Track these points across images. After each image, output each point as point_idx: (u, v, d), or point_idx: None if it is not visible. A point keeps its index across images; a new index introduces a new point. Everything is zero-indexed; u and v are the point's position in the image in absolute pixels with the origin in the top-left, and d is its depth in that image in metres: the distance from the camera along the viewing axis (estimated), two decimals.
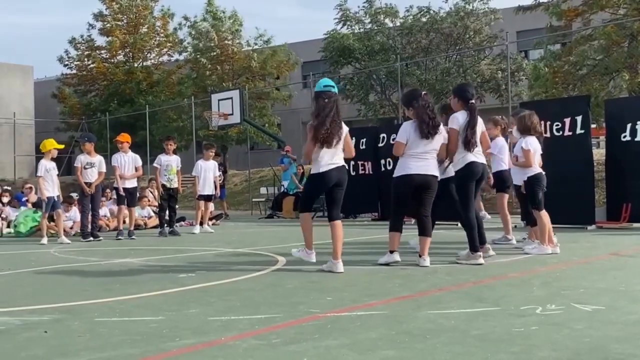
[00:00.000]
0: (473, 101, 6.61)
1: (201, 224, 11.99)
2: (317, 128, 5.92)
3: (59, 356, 3.15)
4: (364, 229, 11.95)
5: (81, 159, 10.75)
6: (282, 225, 13.81)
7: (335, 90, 6.14)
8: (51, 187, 10.42)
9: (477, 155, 6.60)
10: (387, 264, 6.27)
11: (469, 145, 6.48)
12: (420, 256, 6.27)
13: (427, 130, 6.09)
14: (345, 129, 6.14)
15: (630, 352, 3.00)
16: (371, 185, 14.47)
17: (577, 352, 3.01)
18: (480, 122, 6.66)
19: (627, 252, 7.14)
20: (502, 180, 8.56)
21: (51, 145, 10.57)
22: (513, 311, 3.95)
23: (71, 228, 12.06)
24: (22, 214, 12.64)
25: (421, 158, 6.15)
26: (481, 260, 6.30)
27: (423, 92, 6.38)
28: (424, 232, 6.27)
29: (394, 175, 6.31)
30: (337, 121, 5.98)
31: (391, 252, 6.32)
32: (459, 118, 6.51)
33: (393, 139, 13.93)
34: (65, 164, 35.40)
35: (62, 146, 10.79)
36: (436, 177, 6.28)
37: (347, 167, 6.32)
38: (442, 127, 6.31)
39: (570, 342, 3.19)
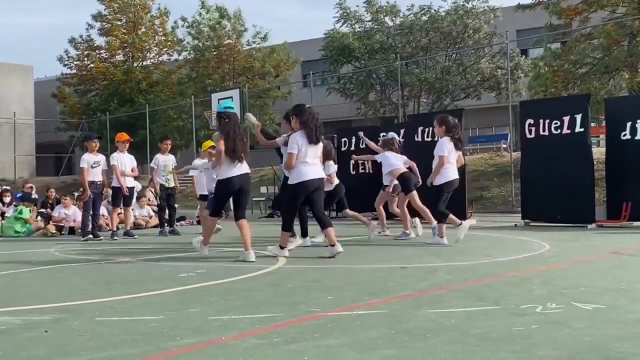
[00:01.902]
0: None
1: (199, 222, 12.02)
2: (228, 147, 6.88)
3: (60, 356, 3.15)
4: (364, 228, 11.94)
5: (87, 159, 10.50)
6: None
7: (234, 110, 7.21)
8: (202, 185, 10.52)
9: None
10: (285, 256, 6.96)
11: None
12: (332, 245, 6.94)
13: (315, 136, 7.01)
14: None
15: (631, 351, 2.99)
16: (371, 184, 14.45)
17: (577, 351, 3.01)
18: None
19: (627, 251, 7.14)
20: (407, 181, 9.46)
21: (205, 145, 10.57)
22: (513, 310, 3.95)
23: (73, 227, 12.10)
24: (7, 219, 12.70)
25: (312, 164, 7.06)
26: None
27: (308, 106, 7.42)
28: (325, 225, 7.08)
29: (291, 183, 7.10)
30: (243, 139, 7.07)
31: (281, 247, 7.14)
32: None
33: None
34: (66, 164, 35.43)
35: (210, 143, 10.40)
36: (323, 178, 7.34)
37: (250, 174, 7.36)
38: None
39: (570, 341, 3.19)
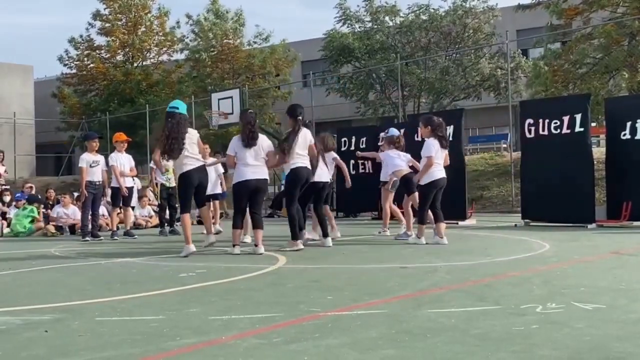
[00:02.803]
0: (300, 117, 7.97)
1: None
2: (162, 143, 7.42)
3: (60, 356, 3.15)
4: (364, 228, 11.96)
5: (86, 158, 10.46)
6: (282, 224, 13.78)
7: (180, 110, 7.53)
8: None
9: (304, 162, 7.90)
10: (237, 254, 7.42)
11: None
12: (255, 245, 7.49)
13: (246, 141, 7.47)
14: (194, 135, 7.58)
15: (631, 351, 2.99)
16: (371, 184, 14.46)
17: (577, 351, 3.01)
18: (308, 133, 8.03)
19: (627, 251, 7.14)
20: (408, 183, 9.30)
21: None
22: (513, 310, 3.95)
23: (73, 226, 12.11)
24: (14, 215, 12.70)
25: (252, 165, 7.44)
26: (301, 246, 7.78)
27: (249, 111, 7.93)
28: (257, 225, 7.58)
29: (233, 182, 7.57)
30: (177, 137, 7.32)
31: (234, 245, 7.54)
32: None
33: None
34: (66, 164, 35.42)
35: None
36: (266, 180, 7.71)
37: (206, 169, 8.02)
38: (262, 138, 7.64)
39: (570, 341, 3.19)
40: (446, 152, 8.45)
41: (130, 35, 31.84)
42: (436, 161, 8.21)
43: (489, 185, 18.06)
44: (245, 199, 7.54)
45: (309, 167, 7.95)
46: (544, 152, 11.20)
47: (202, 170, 7.68)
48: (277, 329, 3.59)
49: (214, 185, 11.78)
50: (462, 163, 12.49)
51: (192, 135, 7.57)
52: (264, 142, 7.66)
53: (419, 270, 5.92)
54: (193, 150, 7.54)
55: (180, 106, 7.65)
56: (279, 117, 28.71)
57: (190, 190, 7.59)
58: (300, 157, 7.83)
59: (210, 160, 10.35)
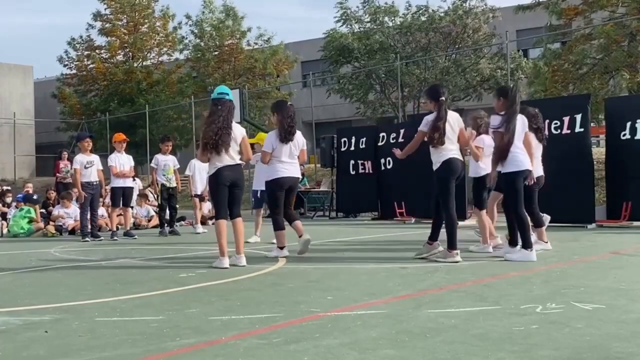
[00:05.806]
0: (443, 98, 6.48)
1: (202, 223, 12.07)
2: (204, 135, 6.42)
3: (60, 356, 3.15)
4: (364, 228, 11.96)
5: (79, 160, 10.36)
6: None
7: (230, 97, 6.61)
8: None
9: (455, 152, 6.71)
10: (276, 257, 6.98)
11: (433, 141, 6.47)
12: (300, 236, 7.12)
13: (284, 136, 7.04)
14: (239, 132, 6.55)
15: (631, 351, 3.00)
16: (371, 184, 14.49)
17: (577, 351, 3.01)
18: (457, 117, 6.69)
19: (627, 251, 7.14)
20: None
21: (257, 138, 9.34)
22: (513, 310, 3.95)
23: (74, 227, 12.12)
24: (12, 217, 12.72)
25: (286, 162, 7.11)
26: (458, 258, 6.34)
27: (289, 104, 7.42)
28: (293, 218, 7.25)
29: (267, 180, 7.25)
30: (226, 128, 6.36)
31: (281, 248, 7.11)
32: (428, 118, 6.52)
33: (393, 138, 14.02)
34: None
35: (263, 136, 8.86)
36: (299, 178, 7.49)
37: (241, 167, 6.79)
38: (299, 134, 7.20)
39: (570, 341, 3.19)
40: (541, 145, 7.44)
41: (131, 35, 31.84)
42: (536, 156, 7.30)
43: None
44: (281, 197, 7.11)
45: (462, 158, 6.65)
46: (544, 152, 11.18)
47: (235, 170, 6.46)
48: (277, 329, 3.59)
49: (204, 185, 11.26)
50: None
51: (234, 130, 6.49)
52: (300, 139, 7.24)
53: (419, 270, 5.92)
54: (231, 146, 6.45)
55: (229, 92, 6.73)
56: None
57: (222, 191, 6.41)
58: (452, 145, 6.60)
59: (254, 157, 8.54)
